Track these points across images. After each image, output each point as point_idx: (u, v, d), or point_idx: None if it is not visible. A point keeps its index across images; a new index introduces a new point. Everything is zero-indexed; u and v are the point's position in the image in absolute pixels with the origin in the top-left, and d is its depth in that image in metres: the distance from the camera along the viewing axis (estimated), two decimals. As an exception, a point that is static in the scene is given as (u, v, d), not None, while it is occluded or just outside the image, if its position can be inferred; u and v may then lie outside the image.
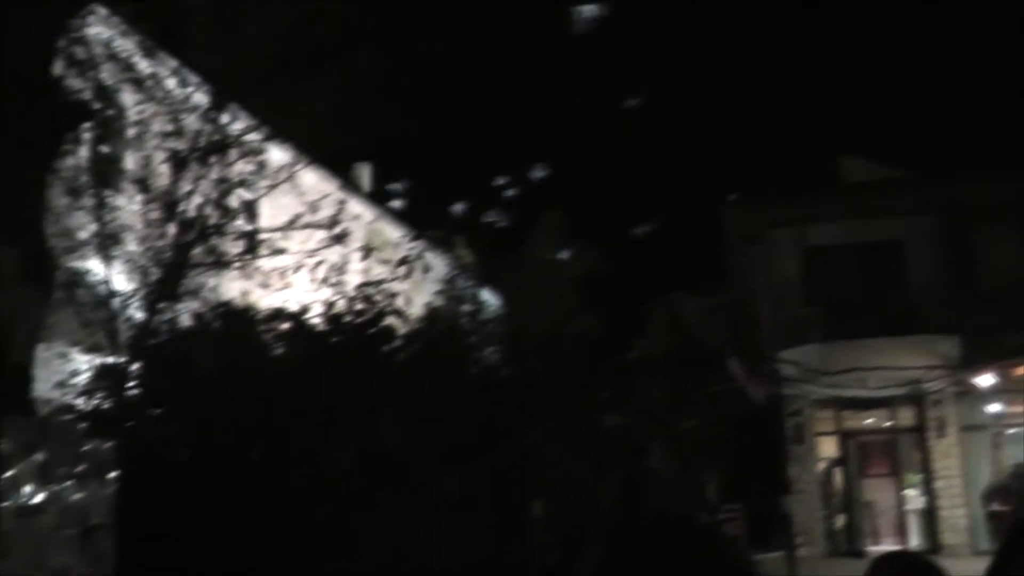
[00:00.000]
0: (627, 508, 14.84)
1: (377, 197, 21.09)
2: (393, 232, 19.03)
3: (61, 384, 9.59)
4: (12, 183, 5.35)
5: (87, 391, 9.43)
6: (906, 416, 20.35)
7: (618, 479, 15.28)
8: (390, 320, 10.52)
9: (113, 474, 5.38)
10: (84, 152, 10.85)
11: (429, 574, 9.49)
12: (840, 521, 20.18)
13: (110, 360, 10.23)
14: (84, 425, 6.61)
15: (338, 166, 16.48)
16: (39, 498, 4.90)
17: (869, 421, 20.89)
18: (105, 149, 11.23)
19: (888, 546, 18.35)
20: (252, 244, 11.87)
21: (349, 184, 16.70)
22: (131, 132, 11.51)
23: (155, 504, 7.02)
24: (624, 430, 16.71)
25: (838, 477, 20.41)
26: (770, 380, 20.23)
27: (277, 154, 12.48)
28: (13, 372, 5.37)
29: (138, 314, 11.03)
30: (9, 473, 4.72)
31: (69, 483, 5.06)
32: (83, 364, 10.15)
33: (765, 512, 18.79)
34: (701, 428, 21.60)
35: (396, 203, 20.42)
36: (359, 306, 10.35)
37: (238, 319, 10.07)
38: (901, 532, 19.94)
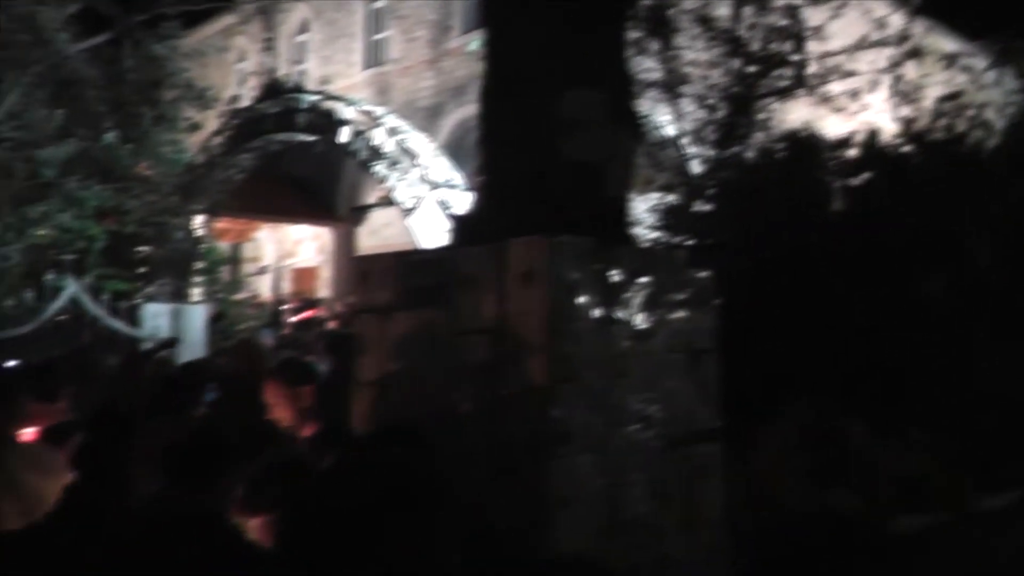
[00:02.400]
0: None
1: (927, 9, 19.51)
2: (947, 44, 17.59)
3: (641, 223, 10.16)
4: (597, 36, 5.60)
5: (669, 227, 9.89)
6: None
7: None
8: (976, 135, 9.77)
9: (715, 302, 5.56)
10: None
11: (1011, 404, 8.89)
12: None
13: (684, 198, 10.63)
14: (683, 255, 6.91)
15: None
16: (648, 323, 5.18)
17: None
18: None
19: None
20: (817, 70, 11.61)
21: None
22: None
23: (748, 331, 7.18)
24: None
25: None
26: None
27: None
28: (611, 206, 5.67)
29: (706, 152, 11.32)
30: (621, 298, 5.03)
31: (675, 310, 5.30)
32: (659, 203, 10.66)
33: None
34: None
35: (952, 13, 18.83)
36: (941, 122, 9.72)
37: (808, 147, 9.89)
38: None
